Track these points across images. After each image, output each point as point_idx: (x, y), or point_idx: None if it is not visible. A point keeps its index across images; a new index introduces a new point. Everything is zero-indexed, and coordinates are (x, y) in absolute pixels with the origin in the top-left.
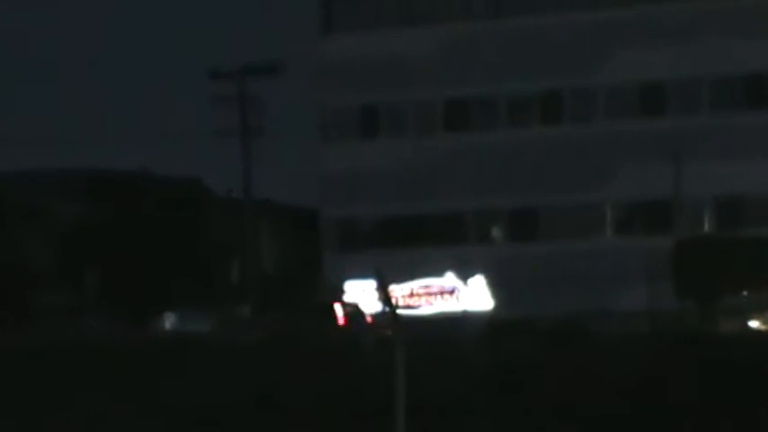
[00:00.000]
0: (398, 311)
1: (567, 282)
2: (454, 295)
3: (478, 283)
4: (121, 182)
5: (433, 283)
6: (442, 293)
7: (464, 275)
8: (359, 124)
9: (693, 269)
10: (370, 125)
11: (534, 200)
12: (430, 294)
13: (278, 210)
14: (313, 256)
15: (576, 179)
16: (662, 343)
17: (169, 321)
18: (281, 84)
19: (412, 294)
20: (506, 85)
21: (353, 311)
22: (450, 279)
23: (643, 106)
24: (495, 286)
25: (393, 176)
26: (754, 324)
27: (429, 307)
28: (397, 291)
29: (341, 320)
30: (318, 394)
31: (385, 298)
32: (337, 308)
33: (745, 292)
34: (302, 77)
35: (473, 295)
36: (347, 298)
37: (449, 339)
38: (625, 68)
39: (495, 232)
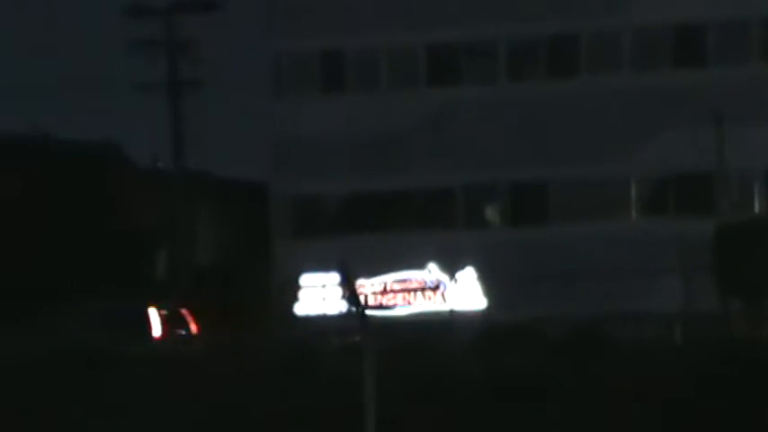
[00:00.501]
0: (368, 312)
1: (582, 276)
2: (438, 292)
3: (469, 277)
4: (9, 146)
5: (413, 276)
6: (423, 290)
7: (451, 267)
8: (321, 75)
9: (739, 260)
10: (334, 77)
11: (542, 173)
12: (408, 291)
13: (218, 185)
14: (262, 242)
15: (594, 146)
16: (700, 360)
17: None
18: (222, 24)
19: (386, 291)
20: (508, 26)
21: (173, 318)
22: (433, 272)
23: (678, 55)
24: (490, 281)
25: (363, 142)
26: None
27: (407, 306)
28: (367, 286)
29: (156, 332)
30: None
31: (351, 295)
32: (152, 313)
33: None
34: (249, 16)
35: (462, 292)
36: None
37: (430, 347)
38: (656, 7)
39: (492, 213)
